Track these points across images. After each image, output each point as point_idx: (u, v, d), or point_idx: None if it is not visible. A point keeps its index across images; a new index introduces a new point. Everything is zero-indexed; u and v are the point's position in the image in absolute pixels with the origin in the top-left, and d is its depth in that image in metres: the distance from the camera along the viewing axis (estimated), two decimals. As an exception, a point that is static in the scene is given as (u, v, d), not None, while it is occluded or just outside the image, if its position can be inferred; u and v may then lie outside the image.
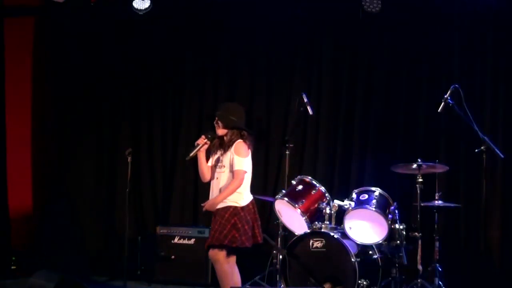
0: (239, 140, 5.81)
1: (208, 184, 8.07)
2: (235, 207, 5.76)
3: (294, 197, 6.49)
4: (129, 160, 6.89)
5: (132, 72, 8.39)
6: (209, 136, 5.90)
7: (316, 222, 6.50)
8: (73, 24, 8.44)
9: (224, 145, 5.84)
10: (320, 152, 7.70)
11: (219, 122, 5.89)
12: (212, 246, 5.77)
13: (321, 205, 6.54)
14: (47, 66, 8.59)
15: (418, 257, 6.38)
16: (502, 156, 6.26)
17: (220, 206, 5.78)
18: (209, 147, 5.93)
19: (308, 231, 6.40)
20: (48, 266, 7.76)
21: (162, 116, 8.31)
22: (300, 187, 6.60)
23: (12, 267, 7.89)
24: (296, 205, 6.43)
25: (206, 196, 8.02)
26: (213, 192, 5.89)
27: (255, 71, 8.04)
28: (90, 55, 8.43)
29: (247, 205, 5.84)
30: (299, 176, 6.77)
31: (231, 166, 5.78)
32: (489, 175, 6.86)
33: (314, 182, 6.63)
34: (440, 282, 6.42)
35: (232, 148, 5.78)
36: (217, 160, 5.88)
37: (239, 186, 5.75)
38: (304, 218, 6.43)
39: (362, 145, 7.56)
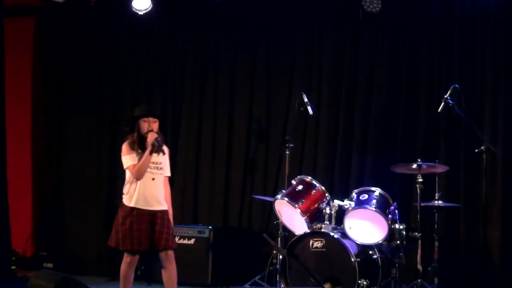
0: (165, 145, 5.79)
1: (209, 184, 8.11)
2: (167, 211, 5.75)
3: (294, 197, 6.49)
4: (129, 160, 6.87)
5: (132, 72, 8.39)
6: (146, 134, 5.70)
7: (316, 222, 6.50)
8: (73, 24, 8.44)
9: (161, 147, 5.67)
10: (320, 152, 7.70)
11: (157, 123, 5.76)
12: (170, 248, 5.67)
13: (321, 205, 6.54)
14: (47, 66, 8.60)
15: (418, 257, 6.38)
16: (502, 155, 6.26)
17: (162, 208, 5.66)
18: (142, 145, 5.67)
19: (308, 231, 6.40)
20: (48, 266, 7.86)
21: (162, 116, 8.29)
22: (300, 187, 6.60)
23: (12, 267, 7.89)
24: (296, 205, 6.43)
25: (206, 196, 8.11)
26: (153, 193, 5.62)
27: (255, 71, 8.03)
28: (90, 55, 8.43)
29: None
30: (299, 176, 6.77)
31: (166, 170, 5.77)
32: (489, 175, 6.85)
33: (314, 182, 6.63)
34: (440, 282, 6.41)
35: (167, 153, 5.77)
36: (152, 161, 5.63)
37: None
38: (304, 218, 6.43)
39: (362, 145, 7.55)
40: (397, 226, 6.42)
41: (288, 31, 7.91)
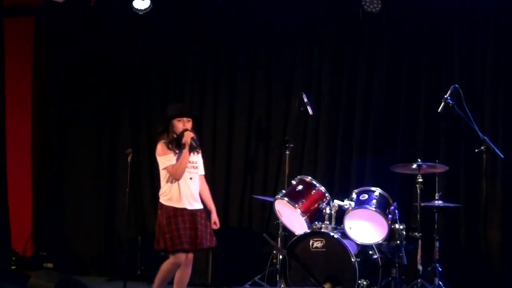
0: None
1: (209, 184, 8.11)
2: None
3: (294, 197, 6.49)
4: (129, 160, 6.88)
5: (132, 72, 8.39)
6: (181, 134, 5.69)
7: (316, 222, 6.50)
8: (73, 24, 8.44)
9: (192, 147, 5.68)
10: (320, 152, 7.70)
11: (191, 122, 5.76)
12: (207, 247, 5.70)
13: (321, 205, 6.54)
14: (47, 66, 8.60)
15: (418, 257, 6.38)
16: (502, 156, 6.26)
17: (201, 207, 5.72)
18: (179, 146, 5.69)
19: (308, 231, 6.40)
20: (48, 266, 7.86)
21: (162, 116, 8.29)
22: (300, 187, 6.60)
23: (12, 267, 7.89)
24: (296, 205, 6.43)
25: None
26: (192, 192, 5.69)
27: (255, 71, 8.03)
28: (90, 55, 8.43)
29: None
30: (299, 176, 6.77)
31: (201, 169, 5.84)
32: (489, 175, 6.85)
33: (314, 182, 6.63)
34: (440, 282, 6.42)
35: (200, 152, 5.80)
36: (189, 161, 5.66)
37: None
38: (304, 218, 6.43)
39: (362, 145, 7.56)
40: (397, 226, 6.42)
41: (288, 31, 7.91)
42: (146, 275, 7.60)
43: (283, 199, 6.50)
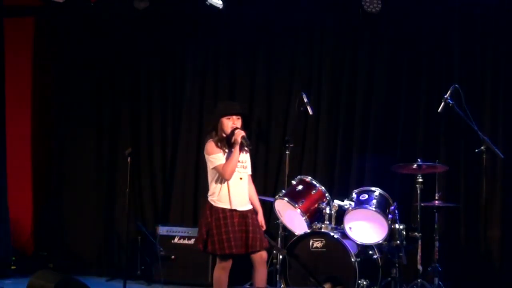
0: None
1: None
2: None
3: (294, 197, 6.49)
4: (129, 160, 6.89)
5: (132, 72, 8.39)
6: (231, 133, 5.48)
7: (316, 222, 6.50)
8: (73, 24, 8.44)
9: (241, 146, 5.49)
10: (320, 152, 7.70)
11: (241, 120, 5.52)
12: (260, 249, 5.49)
13: (321, 205, 6.54)
14: (47, 66, 8.60)
15: (418, 257, 6.38)
16: (502, 156, 6.27)
17: (251, 208, 5.60)
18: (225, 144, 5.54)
19: (308, 231, 6.40)
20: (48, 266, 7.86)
21: (162, 116, 8.31)
22: (300, 187, 6.60)
23: (12, 267, 7.89)
24: (296, 205, 6.43)
25: (207, 197, 8.09)
26: (242, 192, 5.54)
27: (255, 71, 8.03)
28: (90, 55, 8.43)
29: None
30: (299, 176, 6.77)
31: (249, 167, 5.67)
32: (489, 175, 6.85)
33: (314, 182, 6.63)
34: (440, 282, 6.42)
35: (248, 151, 5.61)
36: (238, 160, 5.49)
37: None
38: (304, 218, 6.43)
39: (362, 145, 7.56)
40: (397, 226, 6.42)
41: (288, 31, 7.91)
42: (146, 275, 7.61)
43: (283, 199, 6.50)
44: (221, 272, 5.50)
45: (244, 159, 5.56)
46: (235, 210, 5.46)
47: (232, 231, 5.38)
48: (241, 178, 5.53)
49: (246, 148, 5.53)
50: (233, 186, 5.48)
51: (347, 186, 7.30)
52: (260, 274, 5.53)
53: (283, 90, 7.92)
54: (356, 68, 7.69)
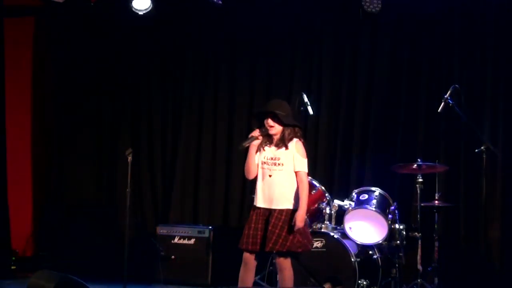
0: (298, 140, 5.43)
1: (209, 184, 8.08)
2: (294, 211, 5.37)
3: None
4: (129, 160, 6.88)
5: (132, 72, 8.39)
6: (263, 131, 5.44)
7: (316, 222, 6.50)
8: (73, 24, 8.44)
9: (281, 142, 5.38)
10: (320, 152, 7.70)
11: (274, 119, 5.37)
12: (280, 253, 5.36)
13: (321, 205, 6.54)
14: (47, 66, 8.59)
15: (418, 257, 6.38)
16: (501, 155, 6.27)
17: (281, 207, 5.37)
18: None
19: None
20: (48, 266, 7.84)
21: (162, 116, 8.31)
22: (300, 187, 6.59)
23: (12, 267, 7.89)
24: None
25: (207, 197, 8.11)
26: (269, 190, 5.39)
27: (255, 71, 8.03)
28: (90, 55, 8.43)
29: None
30: (299, 176, 6.75)
31: (293, 165, 5.39)
32: (489, 175, 6.85)
33: (314, 182, 6.63)
34: (440, 282, 6.42)
35: (293, 147, 5.38)
36: (270, 157, 5.41)
37: (308, 189, 5.49)
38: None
39: (362, 145, 7.56)
40: (397, 226, 6.43)
41: (288, 31, 7.91)
42: (146, 275, 7.61)
43: (283, 199, 6.48)
44: (242, 268, 5.51)
45: (277, 155, 5.41)
46: (260, 208, 5.44)
47: (253, 228, 5.39)
48: (270, 176, 5.41)
49: (284, 144, 5.40)
50: (260, 183, 5.46)
51: (347, 186, 7.31)
52: (281, 278, 5.49)
53: (283, 90, 7.91)
54: (356, 68, 7.69)
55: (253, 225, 5.40)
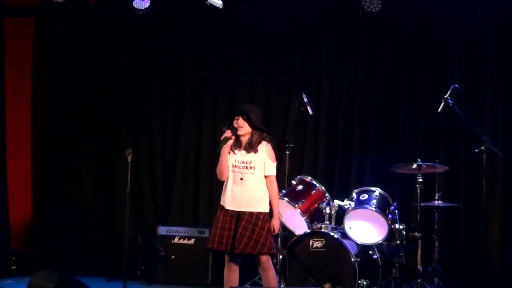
0: (268, 143, 5.55)
1: (209, 184, 8.09)
2: (266, 213, 5.51)
3: (294, 197, 6.50)
4: (129, 160, 6.89)
5: (132, 72, 8.39)
6: (233, 130, 5.51)
7: (316, 222, 6.50)
8: (73, 24, 8.44)
9: (249, 146, 5.49)
10: (320, 152, 7.70)
11: (246, 121, 5.46)
12: (262, 254, 5.43)
13: (321, 205, 6.55)
14: (47, 66, 8.60)
15: (418, 257, 6.37)
16: (501, 155, 6.27)
17: (251, 210, 5.45)
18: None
19: (308, 231, 6.40)
20: (48, 266, 7.85)
21: (162, 117, 8.31)
22: (300, 187, 6.60)
23: (12, 267, 7.89)
24: (296, 205, 6.43)
25: (207, 197, 8.10)
26: (240, 193, 5.47)
27: (255, 71, 8.03)
28: (90, 55, 8.43)
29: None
30: (299, 176, 6.77)
31: (264, 170, 5.50)
32: (489, 175, 6.85)
33: (314, 182, 6.64)
34: (440, 282, 6.42)
35: (263, 150, 5.49)
36: (241, 160, 5.49)
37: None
38: (304, 218, 6.43)
39: (362, 145, 7.56)
40: (397, 226, 6.43)
41: (288, 31, 7.91)
42: (146, 275, 7.61)
43: (283, 199, 6.49)
44: (225, 269, 5.57)
45: (248, 159, 5.50)
46: (229, 210, 5.49)
47: (220, 228, 5.45)
48: (241, 179, 5.50)
49: (252, 148, 5.50)
50: (230, 186, 5.52)
51: (347, 186, 7.31)
52: (265, 279, 5.58)
53: (283, 90, 7.92)
54: (356, 68, 7.69)
55: (220, 225, 5.47)
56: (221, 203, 5.55)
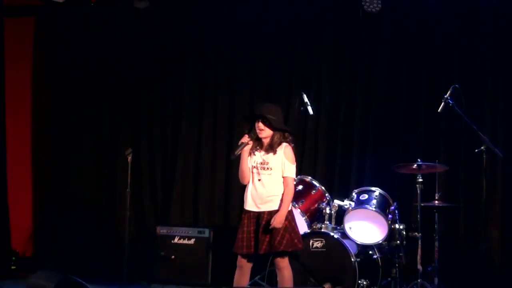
0: (287, 144, 5.53)
1: (209, 184, 8.09)
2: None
3: (294, 197, 6.46)
4: (129, 160, 6.89)
5: (132, 72, 8.39)
6: (252, 135, 5.55)
7: (316, 222, 6.50)
8: (73, 24, 8.44)
9: (269, 147, 5.50)
10: (320, 152, 7.70)
11: (265, 122, 5.48)
12: (277, 254, 5.49)
13: (321, 205, 6.55)
14: (47, 66, 8.60)
15: (418, 257, 6.37)
16: (501, 155, 6.27)
17: (270, 210, 5.46)
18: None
19: (308, 231, 6.40)
20: (48, 267, 7.85)
21: (162, 116, 8.31)
22: (300, 187, 6.60)
23: (12, 267, 7.89)
24: (296, 205, 6.43)
25: (207, 197, 8.10)
26: (258, 193, 5.49)
27: (255, 71, 8.03)
28: (90, 55, 8.42)
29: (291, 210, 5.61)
30: (299, 176, 6.75)
31: (281, 170, 5.50)
32: (489, 175, 6.85)
33: (314, 182, 6.64)
34: (440, 282, 6.42)
35: (282, 152, 5.49)
36: (259, 161, 5.52)
37: (293, 194, 5.57)
38: (304, 218, 6.43)
39: (362, 145, 7.56)
40: (397, 226, 6.43)
41: (288, 31, 7.91)
42: (146, 275, 7.61)
43: (283, 199, 6.48)
44: (237, 271, 5.62)
45: (266, 160, 5.51)
46: (251, 211, 5.52)
47: (246, 232, 5.50)
48: (259, 180, 5.53)
49: (272, 149, 5.51)
50: (250, 188, 5.56)
51: (347, 186, 7.31)
52: (280, 279, 5.58)
53: (283, 90, 7.92)
54: (356, 68, 7.69)
55: (245, 229, 5.51)
56: (244, 206, 5.58)
